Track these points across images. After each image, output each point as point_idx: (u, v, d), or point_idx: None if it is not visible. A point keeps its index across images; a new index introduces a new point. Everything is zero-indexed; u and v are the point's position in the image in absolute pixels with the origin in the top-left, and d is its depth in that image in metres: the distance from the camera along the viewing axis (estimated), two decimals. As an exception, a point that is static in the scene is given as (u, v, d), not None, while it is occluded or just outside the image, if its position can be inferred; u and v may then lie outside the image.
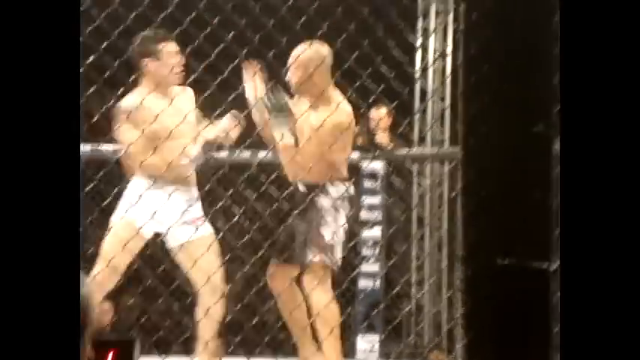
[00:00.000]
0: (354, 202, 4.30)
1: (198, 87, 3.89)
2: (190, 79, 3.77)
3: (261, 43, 3.14)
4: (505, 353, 1.78)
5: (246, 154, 5.48)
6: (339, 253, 4.16)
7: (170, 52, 4.15)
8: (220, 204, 4.20)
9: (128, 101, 4.13)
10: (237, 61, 3.31)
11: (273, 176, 4.14)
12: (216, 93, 3.45)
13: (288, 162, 4.10)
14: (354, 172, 6.28)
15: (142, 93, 4.11)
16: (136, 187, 4.15)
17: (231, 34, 3.20)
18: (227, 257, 4.27)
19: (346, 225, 4.19)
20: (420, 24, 7.57)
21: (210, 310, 4.03)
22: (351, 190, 4.24)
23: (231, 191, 4.35)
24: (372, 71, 4.02)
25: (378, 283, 6.22)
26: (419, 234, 7.17)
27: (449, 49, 7.66)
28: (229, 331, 4.26)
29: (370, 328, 6.24)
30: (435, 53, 7.65)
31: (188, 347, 5.09)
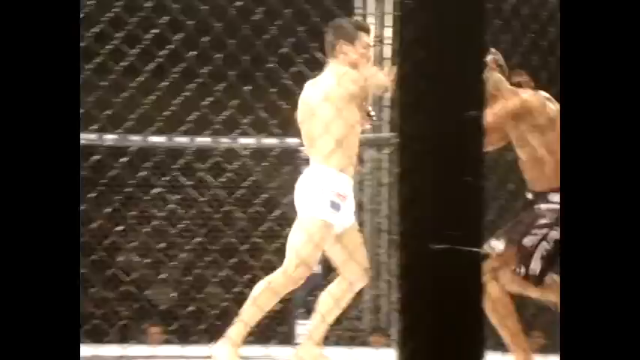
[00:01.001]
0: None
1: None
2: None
3: (197, 31, 3.11)
4: (440, 335, 1.80)
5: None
6: (535, 264, 4.15)
7: (364, 42, 4.48)
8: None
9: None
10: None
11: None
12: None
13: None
14: (291, 157, 6.27)
15: (331, 70, 4.39)
16: (330, 179, 4.40)
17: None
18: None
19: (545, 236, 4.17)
20: (357, 10, 7.58)
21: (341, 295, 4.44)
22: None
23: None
24: (309, 57, 4.03)
25: (318, 268, 6.24)
26: (358, 219, 7.20)
27: (387, 35, 7.68)
28: (165, 320, 4.24)
29: (309, 314, 6.26)
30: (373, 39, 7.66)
31: (123, 335, 5.04)
